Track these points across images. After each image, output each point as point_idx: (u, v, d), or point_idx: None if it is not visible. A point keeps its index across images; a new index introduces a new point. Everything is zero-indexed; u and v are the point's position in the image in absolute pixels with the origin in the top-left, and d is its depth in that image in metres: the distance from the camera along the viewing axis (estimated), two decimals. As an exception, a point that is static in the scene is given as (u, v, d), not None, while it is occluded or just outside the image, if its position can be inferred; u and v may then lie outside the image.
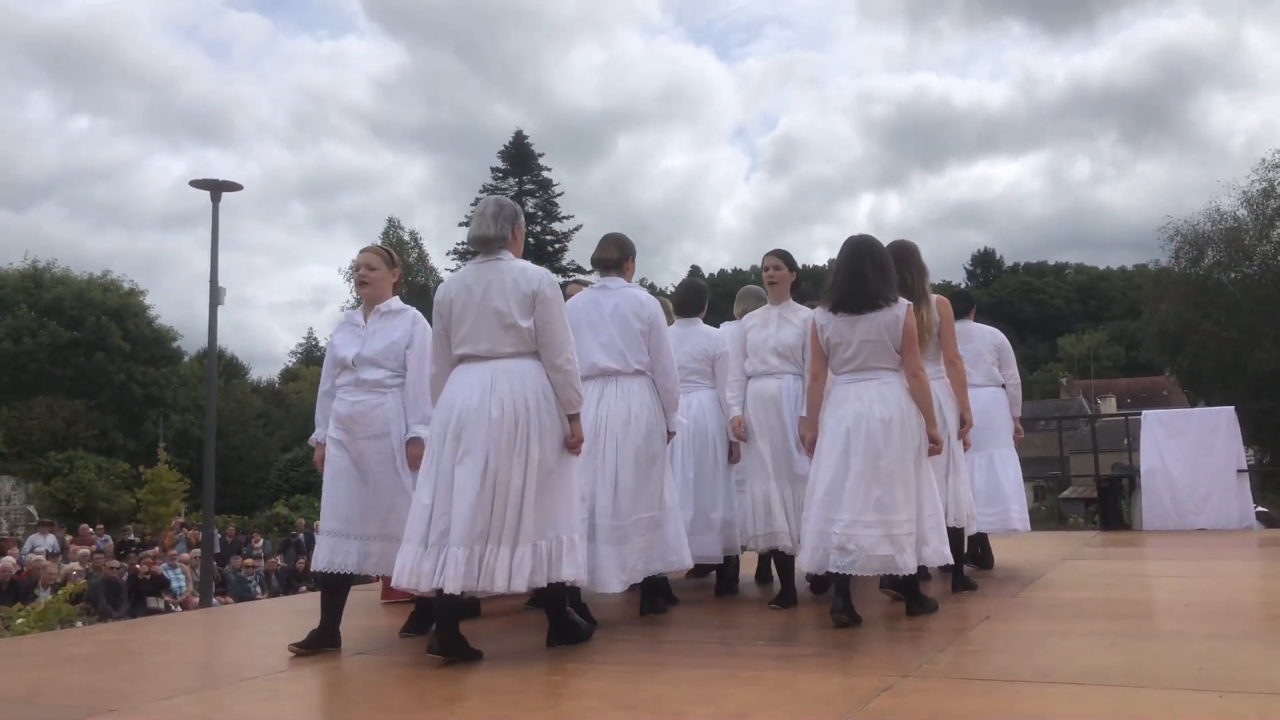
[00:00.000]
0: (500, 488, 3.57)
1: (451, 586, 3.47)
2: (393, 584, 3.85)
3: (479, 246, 3.89)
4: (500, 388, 3.67)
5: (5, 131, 79.03)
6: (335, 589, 4.11)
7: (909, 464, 4.16)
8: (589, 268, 37.65)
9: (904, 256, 4.79)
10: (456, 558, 3.48)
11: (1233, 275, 30.44)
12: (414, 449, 4.07)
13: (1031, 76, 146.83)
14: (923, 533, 4.17)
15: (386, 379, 4.19)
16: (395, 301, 4.36)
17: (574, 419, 3.79)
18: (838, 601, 4.07)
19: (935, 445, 4.28)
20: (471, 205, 42.45)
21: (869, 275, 4.27)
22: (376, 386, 4.17)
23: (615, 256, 4.61)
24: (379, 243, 38.35)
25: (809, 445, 4.44)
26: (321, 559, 4.08)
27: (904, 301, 4.33)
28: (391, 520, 4.06)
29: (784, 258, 5.16)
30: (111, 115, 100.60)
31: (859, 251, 4.37)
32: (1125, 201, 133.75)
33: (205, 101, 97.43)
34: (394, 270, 4.41)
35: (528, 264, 3.91)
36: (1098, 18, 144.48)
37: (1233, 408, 9.41)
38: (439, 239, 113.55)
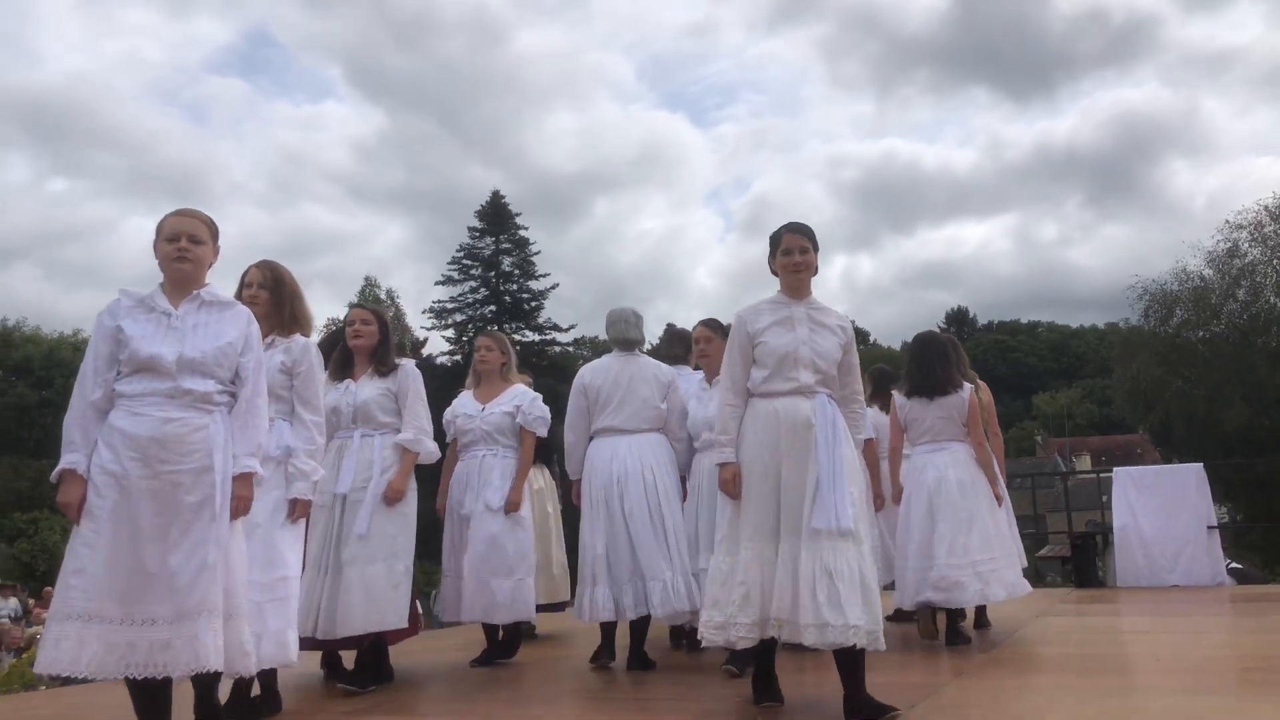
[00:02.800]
0: (658, 533, 4.73)
1: (659, 614, 4.67)
2: (585, 618, 4.73)
3: (622, 346, 5.07)
4: (647, 457, 4.86)
5: (-19, 192, 78.79)
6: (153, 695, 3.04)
7: (984, 514, 5.25)
8: (564, 325, 37.22)
9: (955, 350, 5.68)
10: (653, 589, 4.64)
11: (1201, 334, 30.89)
12: (243, 489, 3.17)
13: (997, 141, 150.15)
14: (1000, 570, 5.23)
15: (215, 393, 3.17)
16: (217, 289, 3.36)
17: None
18: (930, 628, 5.24)
19: (999, 501, 5.41)
20: (449, 264, 42.66)
21: (937, 367, 5.44)
22: (201, 402, 3.13)
23: (635, 336, 5.19)
24: (357, 301, 38.01)
25: (895, 498, 5.62)
26: (68, 656, 2.89)
27: (969, 385, 5.48)
28: (197, 589, 2.96)
29: (714, 327, 4.99)
30: (89, 178, 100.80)
31: (927, 347, 5.63)
32: (1092, 262, 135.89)
33: (183, 164, 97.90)
34: (216, 247, 3.35)
35: (658, 361, 5.17)
36: (1058, 86, 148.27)
37: (1201, 465, 9.49)
38: (416, 298, 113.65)
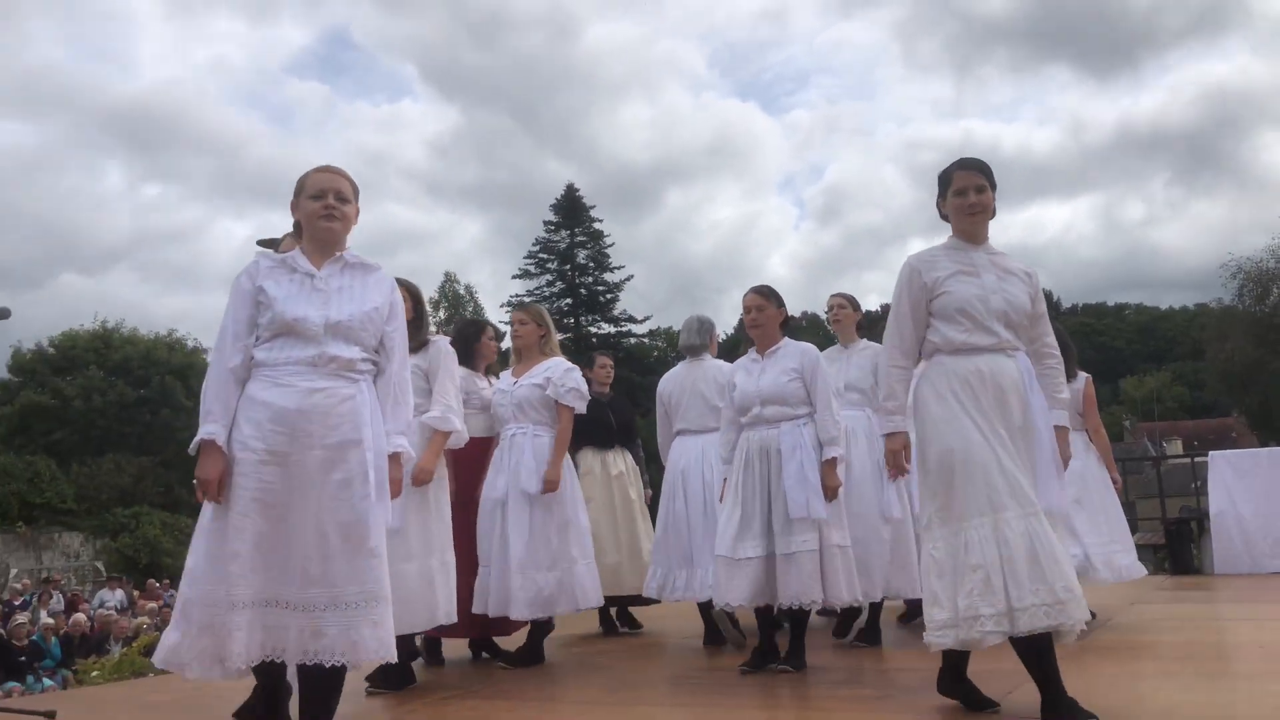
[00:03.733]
0: (710, 524, 4.89)
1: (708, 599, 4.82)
2: (696, 599, 4.94)
3: (689, 353, 5.40)
4: (708, 453, 5.14)
5: (82, 200, 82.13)
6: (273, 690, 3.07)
7: (1107, 497, 5.55)
8: (639, 316, 37.37)
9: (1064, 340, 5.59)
10: (703, 576, 4.91)
11: (1299, 312, 29.77)
12: (396, 470, 2.97)
13: (1079, 120, 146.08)
14: (1113, 554, 5.43)
15: (360, 361, 2.93)
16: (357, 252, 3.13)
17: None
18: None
19: (1115, 484, 5.61)
20: (525, 258, 43.12)
21: None
22: (347, 370, 2.90)
23: (697, 342, 5.40)
24: (435, 297, 38.14)
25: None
26: (240, 646, 2.71)
27: (1084, 376, 5.59)
28: (356, 576, 2.78)
29: (766, 294, 4.79)
30: (181, 182, 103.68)
31: None
32: (1180, 242, 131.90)
33: (268, 166, 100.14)
34: (358, 207, 3.14)
35: (720, 361, 5.34)
36: (1143, 62, 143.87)
37: (1300, 447, 9.18)
38: (494, 292, 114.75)
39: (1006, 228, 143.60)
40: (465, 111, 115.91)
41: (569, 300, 42.43)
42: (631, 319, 42.70)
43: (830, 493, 4.31)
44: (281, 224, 3.56)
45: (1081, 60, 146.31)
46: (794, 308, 5.01)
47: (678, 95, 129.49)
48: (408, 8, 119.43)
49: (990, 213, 3.29)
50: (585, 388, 5.02)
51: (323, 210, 2.98)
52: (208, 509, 2.80)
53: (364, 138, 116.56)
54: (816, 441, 4.39)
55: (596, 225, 43.69)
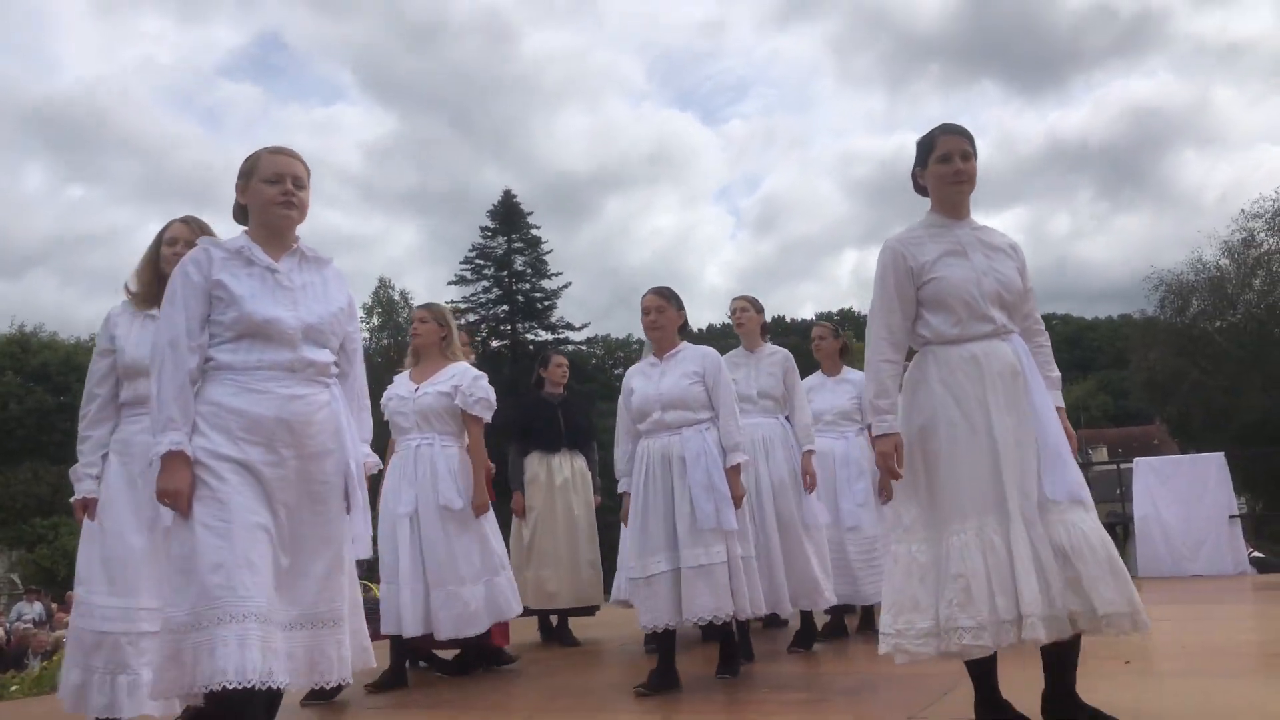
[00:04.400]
0: None
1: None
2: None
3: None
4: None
5: (2, 202, 79.47)
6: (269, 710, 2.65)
7: None
8: (577, 324, 37.24)
9: None
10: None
11: (1218, 324, 30.78)
12: (363, 481, 2.86)
13: (1009, 135, 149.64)
14: None
15: (331, 365, 2.81)
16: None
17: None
18: None
19: None
20: (461, 264, 42.71)
21: None
22: (322, 375, 2.76)
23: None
24: (369, 303, 37.69)
25: None
26: (234, 662, 2.38)
27: None
28: (325, 595, 2.67)
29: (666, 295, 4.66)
30: (106, 184, 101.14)
31: None
32: (1106, 254, 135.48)
33: (198, 169, 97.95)
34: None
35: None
36: (1069, 78, 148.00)
37: (1221, 454, 9.49)
38: (429, 299, 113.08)
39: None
40: (402, 117, 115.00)
41: (506, 307, 42.17)
42: (569, 326, 42.55)
43: (737, 501, 4.12)
44: (211, 227, 3.40)
45: (1011, 77, 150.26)
46: (726, 316, 5.01)
47: (616, 105, 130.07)
48: (343, 12, 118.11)
49: (974, 183, 3.05)
50: (493, 397, 4.81)
51: (280, 197, 2.75)
52: (181, 524, 2.52)
53: (297, 141, 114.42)
54: (720, 447, 4.20)
55: (534, 232, 43.53)
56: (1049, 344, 3.13)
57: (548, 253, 43.41)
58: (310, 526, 2.64)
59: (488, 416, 4.77)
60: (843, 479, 5.47)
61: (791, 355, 5.23)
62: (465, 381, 4.72)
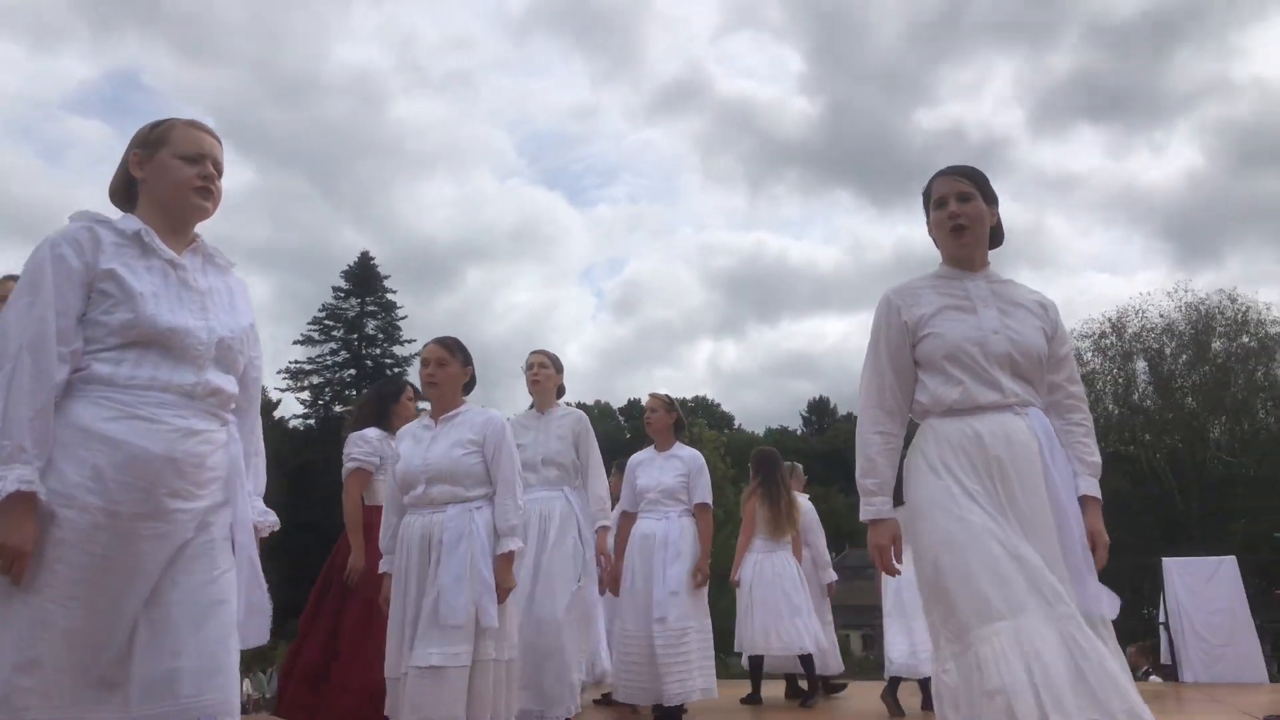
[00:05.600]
0: None
1: None
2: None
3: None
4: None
5: None
6: None
7: None
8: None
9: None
10: None
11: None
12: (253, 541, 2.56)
13: (859, 242, 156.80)
14: None
15: (235, 398, 2.46)
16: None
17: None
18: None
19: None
20: (309, 324, 41.02)
21: None
22: (223, 408, 2.30)
23: None
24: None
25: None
26: None
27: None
28: (209, 688, 2.37)
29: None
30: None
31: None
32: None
33: (34, 204, 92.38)
34: None
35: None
36: (917, 195, 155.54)
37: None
38: (272, 357, 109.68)
39: (790, 335, 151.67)
40: (260, 170, 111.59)
41: (353, 371, 40.63)
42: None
43: (503, 594, 3.54)
44: None
45: (864, 187, 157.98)
46: (586, 396, 4.66)
47: (484, 178, 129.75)
48: (208, 57, 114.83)
49: (984, 227, 2.61)
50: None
51: (198, 181, 2.20)
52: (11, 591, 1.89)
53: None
54: (491, 530, 3.60)
55: (390, 296, 42.39)
56: (1089, 423, 2.60)
57: (402, 318, 42.37)
58: (187, 592, 1.99)
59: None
60: (658, 563, 4.97)
61: (586, 417, 4.89)
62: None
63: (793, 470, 6.88)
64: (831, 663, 6.55)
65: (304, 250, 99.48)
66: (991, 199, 2.65)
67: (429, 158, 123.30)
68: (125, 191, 2.25)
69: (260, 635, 2.17)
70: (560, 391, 4.99)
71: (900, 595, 5.65)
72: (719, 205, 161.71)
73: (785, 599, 5.99)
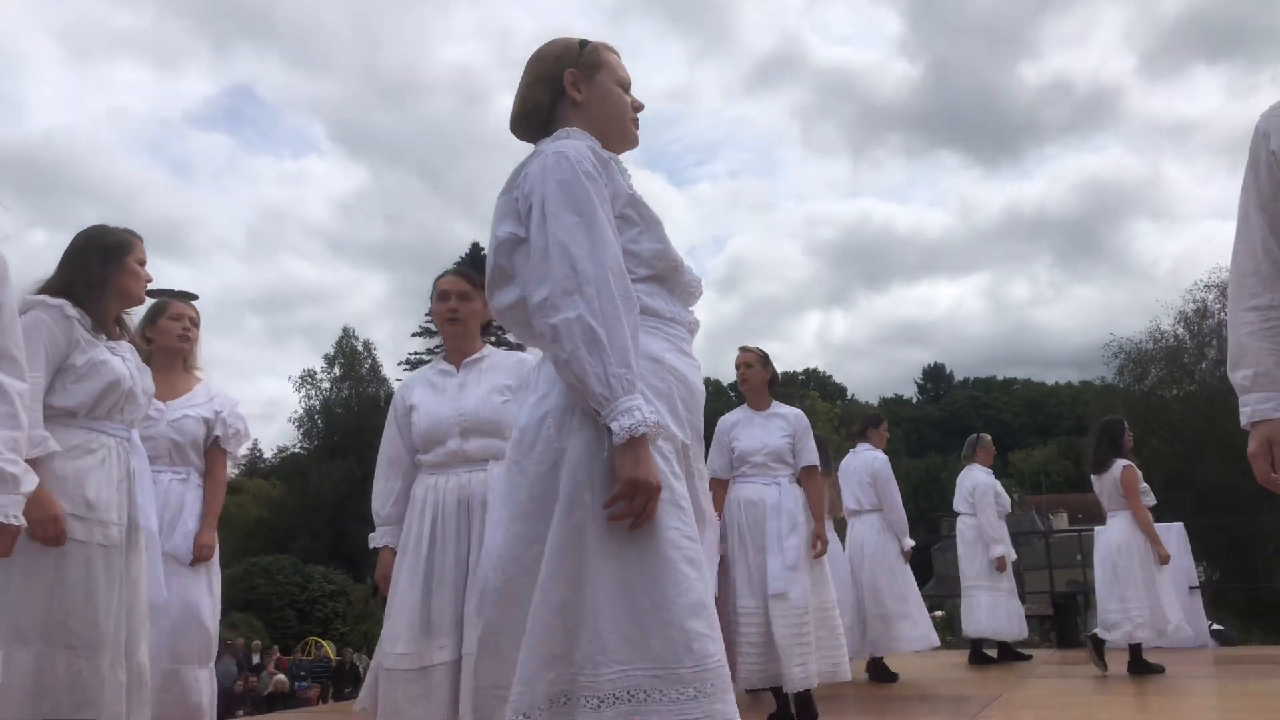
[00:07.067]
0: None
1: None
2: None
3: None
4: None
5: (-44, 241, 78.22)
6: None
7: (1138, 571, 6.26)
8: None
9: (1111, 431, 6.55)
10: None
11: (1175, 393, 31.13)
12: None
13: (967, 204, 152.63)
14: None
15: None
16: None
17: None
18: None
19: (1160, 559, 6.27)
20: (426, 316, 42.37)
21: (1095, 448, 6.50)
22: None
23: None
24: (331, 353, 37.35)
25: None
26: None
27: (1121, 462, 6.33)
28: None
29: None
30: (70, 230, 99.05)
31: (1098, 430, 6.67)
32: (1064, 322, 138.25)
33: (165, 217, 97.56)
34: None
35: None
36: (1025, 152, 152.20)
37: (1181, 524, 9.42)
38: (392, 351, 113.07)
39: (900, 302, 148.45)
40: (372, 171, 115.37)
41: (470, 361, 41.90)
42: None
43: None
44: (175, 276, 3.23)
45: (970, 147, 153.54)
46: None
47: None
48: (316, 67, 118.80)
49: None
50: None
51: (633, 112, 2.17)
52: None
53: (267, 192, 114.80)
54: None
55: (501, 286, 43.41)
56: None
57: (513, 307, 43.31)
58: None
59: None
60: (772, 533, 4.59)
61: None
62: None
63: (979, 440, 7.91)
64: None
65: (418, 245, 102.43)
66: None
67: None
68: (535, 117, 2.07)
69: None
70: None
71: (1114, 560, 6.30)
72: (821, 175, 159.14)
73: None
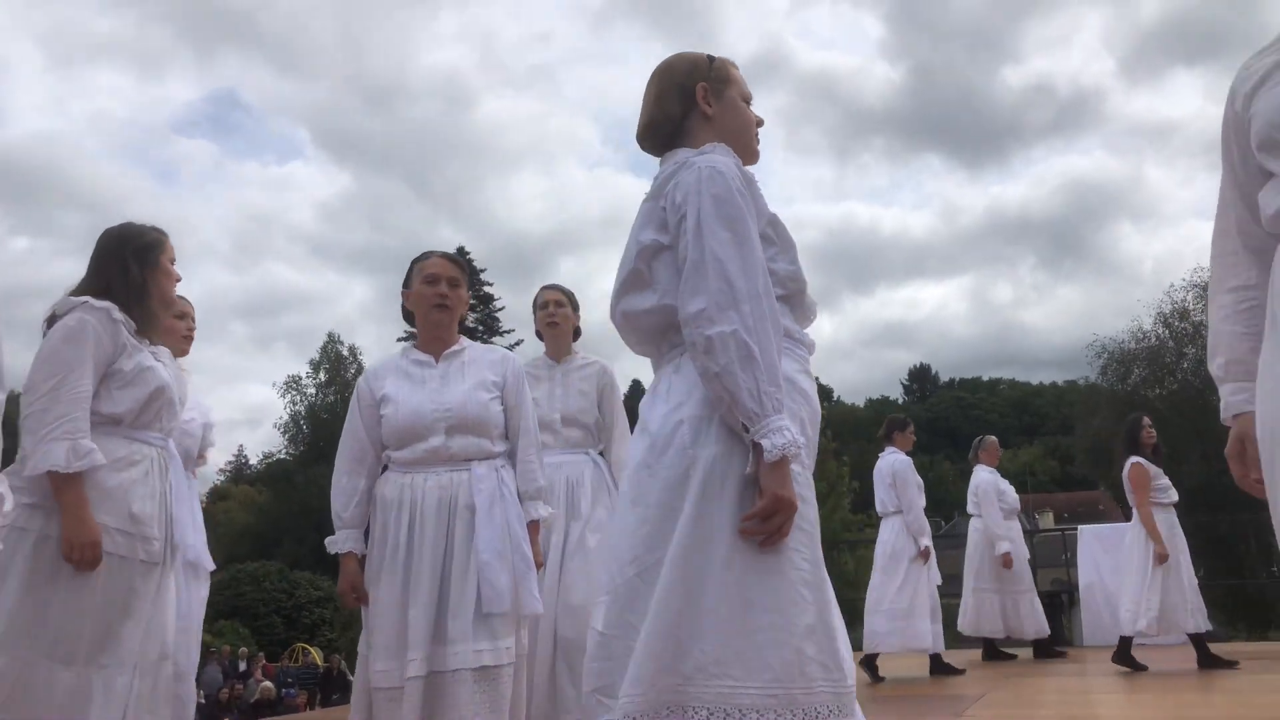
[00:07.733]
0: None
1: None
2: None
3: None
4: None
5: (-61, 248, 77.84)
6: None
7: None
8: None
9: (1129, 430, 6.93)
10: None
11: (1158, 391, 31.33)
12: None
13: (951, 206, 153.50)
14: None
15: None
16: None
17: None
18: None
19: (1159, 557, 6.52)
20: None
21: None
22: None
23: None
24: (316, 358, 37.30)
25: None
26: None
27: (1130, 461, 6.74)
28: None
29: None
30: (52, 237, 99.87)
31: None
32: (1047, 323, 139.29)
33: (155, 222, 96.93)
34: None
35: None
36: (1008, 154, 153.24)
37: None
38: (378, 356, 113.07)
39: (885, 304, 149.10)
40: (357, 176, 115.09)
41: (456, 365, 41.83)
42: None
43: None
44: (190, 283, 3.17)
45: (953, 150, 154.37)
46: None
47: (572, 168, 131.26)
48: (301, 72, 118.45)
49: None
50: None
51: (756, 128, 2.16)
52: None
53: (251, 197, 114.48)
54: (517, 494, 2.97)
55: (487, 289, 43.38)
56: None
57: (500, 310, 43.29)
58: None
59: None
60: None
61: (612, 370, 4.01)
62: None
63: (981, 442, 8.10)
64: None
65: (403, 250, 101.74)
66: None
67: (517, 152, 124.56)
68: (664, 129, 2.07)
69: None
70: (576, 334, 4.10)
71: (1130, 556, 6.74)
72: (805, 178, 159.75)
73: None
